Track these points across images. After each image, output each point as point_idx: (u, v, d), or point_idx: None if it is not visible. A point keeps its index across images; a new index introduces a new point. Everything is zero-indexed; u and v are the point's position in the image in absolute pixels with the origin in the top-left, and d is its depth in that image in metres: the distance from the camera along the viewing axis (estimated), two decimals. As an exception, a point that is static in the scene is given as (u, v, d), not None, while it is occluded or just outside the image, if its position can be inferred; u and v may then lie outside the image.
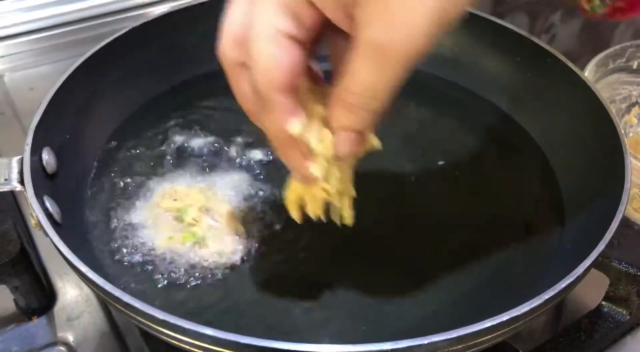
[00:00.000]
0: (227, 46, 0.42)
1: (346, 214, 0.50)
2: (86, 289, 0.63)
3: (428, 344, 0.41)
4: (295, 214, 0.52)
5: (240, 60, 0.41)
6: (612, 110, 0.62)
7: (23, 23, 0.98)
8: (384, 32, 0.36)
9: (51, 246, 0.50)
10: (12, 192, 0.71)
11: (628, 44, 0.85)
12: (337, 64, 0.42)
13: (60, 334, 0.61)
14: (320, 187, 0.47)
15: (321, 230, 0.53)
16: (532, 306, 0.44)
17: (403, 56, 0.36)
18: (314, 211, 0.51)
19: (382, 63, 0.37)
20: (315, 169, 0.45)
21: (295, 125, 0.42)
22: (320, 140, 0.43)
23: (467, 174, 0.66)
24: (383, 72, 0.37)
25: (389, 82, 0.38)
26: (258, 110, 0.43)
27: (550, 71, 0.70)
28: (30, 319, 0.62)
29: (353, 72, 0.38)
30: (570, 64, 0.68)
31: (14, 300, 0.63)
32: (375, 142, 0.46)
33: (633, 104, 0.88)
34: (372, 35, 0.36)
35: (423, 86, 0.77)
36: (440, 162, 0.67)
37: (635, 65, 0.86)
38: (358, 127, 0.41)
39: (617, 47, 0.85)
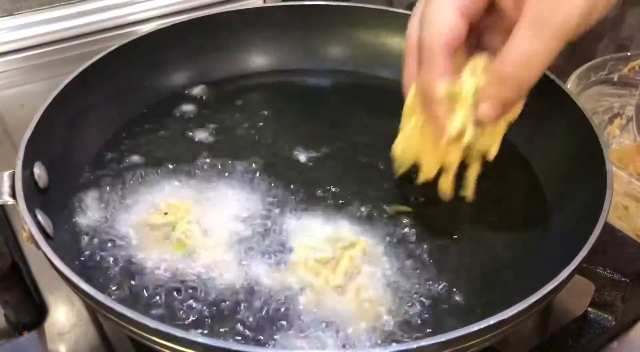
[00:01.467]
0: (413, 32, 0.53)
1: (470, 189, 0.57)
2: (77, 304, 0.64)
3: (416, 348, 0.42)
4: (402, 168, 0.59)
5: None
6: (594, 120, 0.63)
7: (13, 41, 0.99)
8: (549, 9, 0.43)
9: (42, 260, 0.51)
10: (2, 207, 0.71)
11: (608, 57, 0.87)
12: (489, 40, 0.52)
13: (51, 349, 0.61)
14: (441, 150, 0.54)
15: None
16: (518, 310, 0.45)
17: (562, 29, 0.44)
18: (426, 173, 0.57)
19: (542, 34, 0.44)
20: (453, 126, 0.51)
21: (443, 85, 0.49)
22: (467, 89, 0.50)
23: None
24: (542, 42, 0.44)
25: (544, 52, 0.45)
26: (416, 67, 0.53)
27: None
28: (20, 334, 0.62)
29: (513, 44, 0.45)
30: (552, 76, 0.69)
31: (5, 315, 0.63)
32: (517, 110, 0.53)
33: (615, 116, 0.90)
34: (537, 10, 0.43)
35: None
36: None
37: (616, 77, 0.88)
38: (505, 97, 0.49)
39: (599, 59, 0.86)
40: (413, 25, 0.54)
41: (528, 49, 0.45)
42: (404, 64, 0.57)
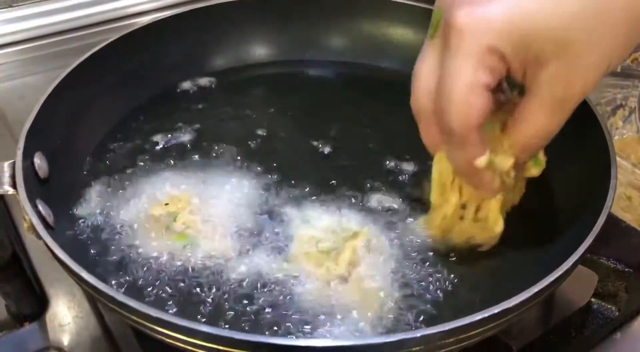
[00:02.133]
0: (422, 97, 0.50)
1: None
2: (78, 295, 0.63)
3: (420, 337, 0.42)
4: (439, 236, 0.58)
5: (431, 107, 0.49)
6: (598, 111, 0.63)
7: (12, 33, 0.98)
8: (566, 89, 0.45)
9: (43, 251, 0.50)
10: (2, 198, 0.71)
11: (611, 48, 0.87)
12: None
13: (52, 340, 0.60)
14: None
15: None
16: (521, 299, 0.44)
17: (575, 104, 0.46)
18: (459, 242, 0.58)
19: (558, 111, 0.46)
20: (496, 184, 0.52)
21: (482, 161, 0.49)
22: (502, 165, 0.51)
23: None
24: (557, 118, 0.47)
25: (559, 124, 0.48)
26: (445, 147, 0.51)
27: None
28: (21, 325, 0.62)
29: (531, 119, 0.47)
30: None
31: (6, 306, 0.62)
32: (542, 159, 0.55)
33: (618, 107, 0.89)
34: (554, 92, 0.45)
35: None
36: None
37: (619, 68, 0.88)
38: (526, 160, 0.52)
39: (601, 50, 0.86)
40: (420, 87, 0.50)
41: (546, 124, 0.47)
42: (420, 126, 0.53)
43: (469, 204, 0.55)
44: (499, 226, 0.55)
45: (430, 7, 0.79)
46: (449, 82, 0.45)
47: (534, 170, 0.55)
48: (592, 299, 0.61)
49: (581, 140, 0.63)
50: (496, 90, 0.50)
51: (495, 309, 0.44)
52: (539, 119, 0.47)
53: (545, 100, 0.46)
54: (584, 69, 0.44)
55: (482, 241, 0.57)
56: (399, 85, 0.78)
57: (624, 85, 0.89)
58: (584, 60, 0.44)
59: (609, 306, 0.60)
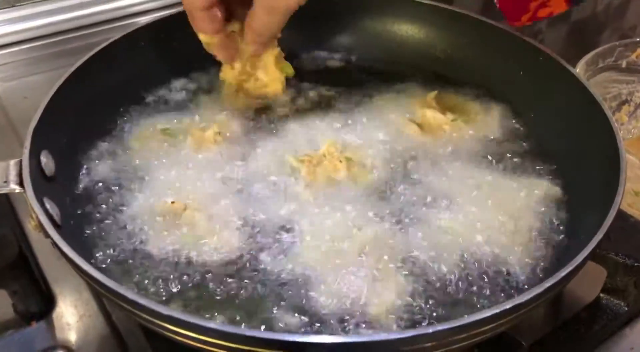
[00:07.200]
0: None
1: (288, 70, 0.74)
2: (85, 293, 0.63)
3: (433, 332, 0.42)
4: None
5: None
6: (607, 108, 0.63)
7: (15, 33, 0.98)
8: (272, 2, 0.64)
9: (49, 250, 0.50)
10: (8, 198, 0.70)
11: (617, 43, 0.87)
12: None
13: (59, 338, 0.60)
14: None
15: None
16: (534, 293, 0.44)
17: (283, 10, 0.64)
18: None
19: (272, 13, 0.65)
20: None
21: (204, 36, 0.69)
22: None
23: (465, 168, 0.67)
24: (272, 17, 0.66)
25: (275, 23, 0.66)
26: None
27: (543, 69, 0.71)
28: (28, 324, 0.62)
29: (255, 17, 0.66)
30: (563, 62, 0.69)
31: (13, 305, 0.62)
32: (289, 70, 0.75)
33: (623, 102, 0.90)
34: (265, 1, 0.65)
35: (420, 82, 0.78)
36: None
37: (624, 64, 0.88)
38: (258, 42, 0.70)
39: (606, 46, 0.86)
40: None
41: (265, 22, 0.66)
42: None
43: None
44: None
45: (435, 3, 0.80)
46: None
47: (288, 70, 0.74)
48: (601, 295, 0.61)
49: (590, 137, 0.63)
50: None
51: (507, 305, 0.43)
52: (260, 17, 0.66)
53: (262, 5, 0.64)
54: None
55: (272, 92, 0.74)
56: (407, 79, 0.79)
57: (629, 81, 0.89)
58: None
59: (617, 302, 0.60)
